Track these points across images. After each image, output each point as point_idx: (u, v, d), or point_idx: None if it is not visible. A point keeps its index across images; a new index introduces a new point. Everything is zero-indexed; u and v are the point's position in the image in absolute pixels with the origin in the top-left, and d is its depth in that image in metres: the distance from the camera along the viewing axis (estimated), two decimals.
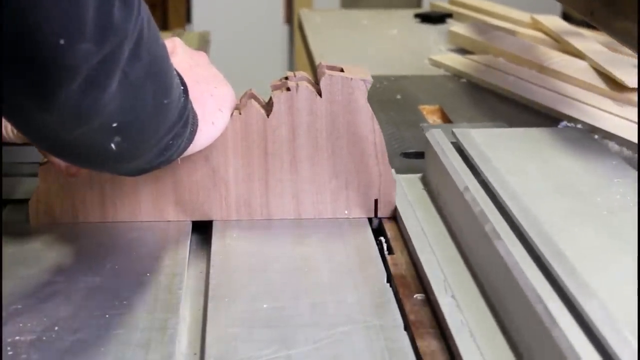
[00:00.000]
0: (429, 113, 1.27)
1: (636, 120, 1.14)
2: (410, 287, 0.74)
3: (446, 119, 1.24)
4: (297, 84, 0.83)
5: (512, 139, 0.94)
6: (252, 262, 0.79)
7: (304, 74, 0.85)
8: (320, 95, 0.83)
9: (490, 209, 0.75)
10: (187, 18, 3.32)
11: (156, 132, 0.66)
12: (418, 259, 0.77)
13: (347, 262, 0.79)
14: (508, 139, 0.94)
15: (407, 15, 2.02)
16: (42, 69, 0.53)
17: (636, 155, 1.04)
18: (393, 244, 0.82)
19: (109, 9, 0.55)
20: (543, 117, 1.23)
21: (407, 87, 1.38)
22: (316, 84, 0.84)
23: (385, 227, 0.87)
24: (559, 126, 1.17)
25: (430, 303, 0.71)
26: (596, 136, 1.10)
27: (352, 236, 0.84)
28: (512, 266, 0.66)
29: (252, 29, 3.33)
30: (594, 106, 1.22)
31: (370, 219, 0.87)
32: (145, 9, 0.60)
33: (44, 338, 0.65)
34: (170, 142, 0.69)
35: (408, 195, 0.91)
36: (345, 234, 0.85)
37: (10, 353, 0.63)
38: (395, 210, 0.88)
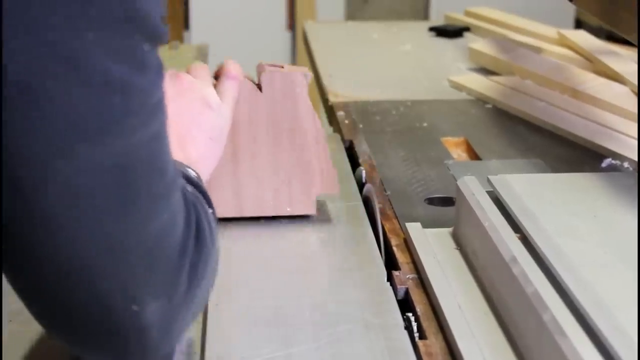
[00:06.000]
0: (453, 146, 1.13)
1: None
2: None
3: (473, 154, 1.10)
4: None
5: (557, 188, 0.82)
6: (252, 261, 0.79)
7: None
8: (261, 90, 0.83)
9: (546, 290, 0.62)
10: (185, 24, 3.20)
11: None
12: (457, 348, 0.64)
13: (347, 260, 0.79)
14: (552, 188, 0.81)
15: (420, 28, 1.87)
16: (115, 333, 0.51)
17: None
18: (425, 324, 0.69)
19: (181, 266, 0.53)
20: (581, 150, 1.10)
21: (426, 114, 1.24)
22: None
23: (413, 298, 0.73)
24: (603, 164, 1.03)
25: None
26: None
27: (351, 235, 0.84)
28: None
29: (253, 35, 3.23)
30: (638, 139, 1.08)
31: (394, 288, 0.75)
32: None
33: (46, 337, 0.67)
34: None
35: (438, 257, 0.78)
36: (345, 232, 0.84)
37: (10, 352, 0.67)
38: (421, 273, 0.75)
